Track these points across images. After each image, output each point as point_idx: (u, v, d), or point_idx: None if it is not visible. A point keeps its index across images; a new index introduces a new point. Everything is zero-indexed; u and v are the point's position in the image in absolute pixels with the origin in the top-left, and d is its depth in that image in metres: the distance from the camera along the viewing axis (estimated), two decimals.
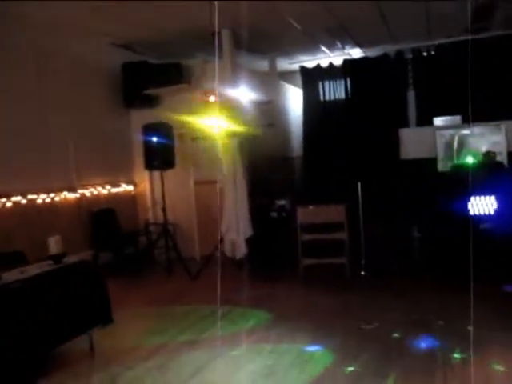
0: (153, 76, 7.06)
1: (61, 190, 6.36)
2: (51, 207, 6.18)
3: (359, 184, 6.05)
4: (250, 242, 6.33)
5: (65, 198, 6.44)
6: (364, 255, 6.14)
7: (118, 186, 7.43)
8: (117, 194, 7.35)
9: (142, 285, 6.29)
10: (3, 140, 5.60)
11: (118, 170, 7.48)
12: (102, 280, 4.22)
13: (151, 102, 7.38)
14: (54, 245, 4.09)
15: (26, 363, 3.52)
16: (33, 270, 3.93)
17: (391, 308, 4.80)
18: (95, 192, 6.97)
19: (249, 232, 6.25)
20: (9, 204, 5.60)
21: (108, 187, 7.19)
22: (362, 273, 6.05)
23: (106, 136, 7.08)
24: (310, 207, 6.10)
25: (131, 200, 7.70)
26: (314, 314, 4.78)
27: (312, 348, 3.93)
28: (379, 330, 4.25)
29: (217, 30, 4.36)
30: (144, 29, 6.51)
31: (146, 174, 7.58)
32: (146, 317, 5.03)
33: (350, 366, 3.53)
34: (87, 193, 6.82)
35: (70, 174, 6.53)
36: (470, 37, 7.15)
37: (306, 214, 6.07)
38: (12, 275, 3.73)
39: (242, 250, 6.24)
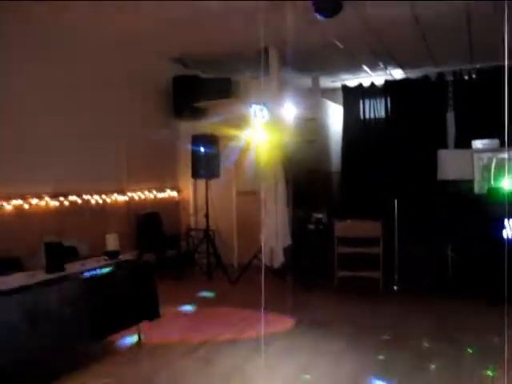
0: (202, 89, 7.45)
1: (112, 192, 6.79)
2: (103, 208, 6.61)
3: (396, 201, 6.26)
4: (287, 252, 6.60)
5: (115, 200, 6.86)
6: (397, 271, 6.31)
7: (164, 191, 7.83)
8: (162, 199, 7.75)
9: (183, 286, 6.64)
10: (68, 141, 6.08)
11: (164, 177, 7.87)
12: (151, 277, 4.57)
13: (199, 114, 7.76)
14: (111, 241, 4.45)
15: (83, 348, 3.89)
16: (91, 263, 4.32)
17: (417, 322, 5.00)
18: (142, 196, 7.38)
19: (287, 241, 6.53)
20: (66, 203, 6.05)
21: (154, 192, 7.60)
22: (395, 287, 6.23)
23: (155, 144, 7.47)
24: (348, 221, 6.34)
25: (175, 206, 8.08)
26: (345, 324, 5.01)
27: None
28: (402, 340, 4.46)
29: (263, 47, 4.70)
30: (197, 45, 6.95)
31: (190, 181, 7.94)
32: (188, 315, 5.36)
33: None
34: (135, 196, 7.24)
35: (121, 177, 6.96)
36: (506, 62, 7.28)
37: (343, 228, 6.30)
38: (74, 267, 4.13)
39: (279, 259, 6.52)
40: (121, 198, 6.96)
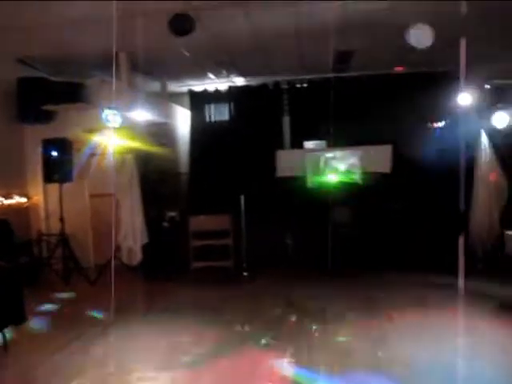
0: (50, 93, 7.34)
1: None
2: None
3: (242, 197, 7.02)
4: (145, 250, 6.94)
5: None
6: (246, 259, 7.09)
7: (11, 198, 7.54)
8: (10, 205, 7.46)
9: (39, 291, 6.56)
10: None
11: (10, 183, 7.57)
12: (15, 282, 4.59)
13: (46, 117, 7.61)
14: None
15: None
16: None
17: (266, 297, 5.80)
18: None
19: (144, 239, 6.86)
20: None
21: (1, 199, 7.30)
22: (245, 274, 6.99)
23: None
24: (200, 217, 6.93)
25: (24, 212, 7.83)
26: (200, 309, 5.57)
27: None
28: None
29: (114, 52, 4.97)
30: (44, 47, 6.85)
31: (41, 186, 7.77)
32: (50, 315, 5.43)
33: None
34: None
35: None
36: (332, 75, 8.55)
37: (196, 223, 6.87)
38: None
39: (137, 257, 6.82)
40: None
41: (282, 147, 8.86)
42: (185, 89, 9.76)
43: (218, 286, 6.61)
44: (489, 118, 6.56)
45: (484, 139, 6.66)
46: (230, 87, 9.55)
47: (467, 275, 5.54)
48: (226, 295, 6.08)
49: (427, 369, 3.77)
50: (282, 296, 5.90)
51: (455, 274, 5.49)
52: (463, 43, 5.44)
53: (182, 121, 9.69)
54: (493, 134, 6.77)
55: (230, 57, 7.75)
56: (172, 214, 7.70)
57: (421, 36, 5.06)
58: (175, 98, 9.76)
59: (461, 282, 5.36)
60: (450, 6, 5.24)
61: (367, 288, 6.16)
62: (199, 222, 6.90)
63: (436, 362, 3.89)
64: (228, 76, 9.03)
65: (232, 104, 9.58)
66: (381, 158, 7.37)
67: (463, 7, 5.06)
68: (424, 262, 6.84)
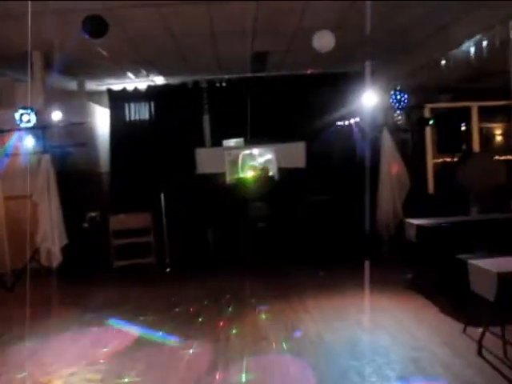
0: None
1: None
2: None
3: (163, 195, 7.15)
4: (65, 251, 6.86)
5: None
6: (168, 255, 7.23)
7: None
8: None
9: None
10: None
11: None
12: None
13: None
14: None
15: None
16: None
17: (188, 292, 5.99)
18: None
19: (64, 241, 6.79)
20: None
21: None
22: (168, 270, 7.13)
23: None
24: (121, 215, 6.97)
25: None
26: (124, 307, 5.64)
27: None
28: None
29: (29, 50, 4.93)
30: None
31: None
32: None
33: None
34: None
35: None
36: (250, 74, 8.87)
37: (116, 222, 6.91)
38: None
39: (57, 259, 6.73)
40: None
41: (202, 145, 9.04)
42: (104, 88, 9.67)
43: (140, 283, 6.69)
44: (391, 116, 7.14)
45: (386, 135, 7.22)
46: (150, 86, 9.58)
47: (374, 259, 6.05)
48: (148, 292, 6.20)
49: (335, 343, 4.18)
50: (202, 289, 6.12)
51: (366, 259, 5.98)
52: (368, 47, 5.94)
53: (102, 120, 9.60)
54: (394, 130, 7.39)
55: (148, 56, 7.81)
56: (93, 214, 7.66)
57: (323, 40, 5.45)
58: (94, 96, 9.65)
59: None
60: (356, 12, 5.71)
61: (282, 278, 6.54)
62: (120, 221, 6.95)
63: (341, 336, 4.34)
64: (147, 75, 9.07)
65: (152, 103, 9.62)
66: (296, 154, 7.79)
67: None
68: (337, 249, 7.33)
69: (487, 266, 3.51)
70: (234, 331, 4.65)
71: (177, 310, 5.39)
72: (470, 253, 4.09)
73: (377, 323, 4.66)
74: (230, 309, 5.33)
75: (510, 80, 6.06)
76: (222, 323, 4.86)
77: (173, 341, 4.47)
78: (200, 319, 5.02)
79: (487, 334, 3.85)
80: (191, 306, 5.47)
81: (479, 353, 3.79)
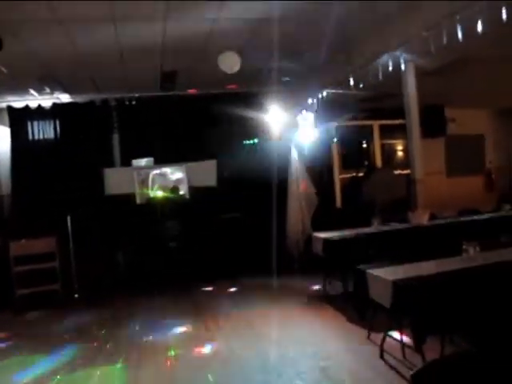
0: None
1: None
2: None
3: (69, 217, 6.85)
4: None
5: None
6: (77, 280, 6.92)
7: None
8: None
9: None
10: None
11: None
12: None
13: None
14: None
15: None
16: None
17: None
18: None
19: None
20: None
21: None
22: (76, 295, 6.82)
23: None
24: (22, 240, 6.58)
25: None
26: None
27: None
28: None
29: None
30: None
31: None
32: None
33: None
34: None
35: None
36: (160, 93, 8.82)
37: (18, 247, 6.51)
38: None
39: None
40: None
41: (111, 165, 8.77)
42: (3, 105, 9.14)
43: (45, 311, 6.34)
44: (297, 135, 7.43)
45: (294, 153, 7.50)
46: (55, 104, 9.20)
47: (285, 274, 6.21)
48: (51, 320, 5.90)
49: (246, 358, 4.24)
50: (112, 313, 5.93)
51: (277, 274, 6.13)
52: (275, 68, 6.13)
53: (1, 139, 9.04)
54: (300, 149, 7.68)
55: (52, 73, 7.51)
56: None
57: (228, 62, 5.58)
58: None
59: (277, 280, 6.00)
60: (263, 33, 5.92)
61: (194, 296, 6.52)
62: (21, 247, 6.54)
63: (253, 350, 4.41)
64: (51, 92, 8.70)
65: (57, 121, 9.22)
66: (207, 172, 7.83)
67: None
68: (249, 266, 7.43)
69: (383, 274, 3.74)
70: (144, 353, 4.56)
71: (85, 338, 5.17)
72: (370, 263, 4.32)
73: (287, 335, 4.78)
74: (139, 333, 5.20)
75: (404, 101, 6.57)
76: (133, 349, 4.73)
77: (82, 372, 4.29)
78: (110, 347, 4.85)
79: (388, 339, 4.09)
80: (100, 333, 5.27)
81: (381, 356, 4.02)
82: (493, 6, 4.29)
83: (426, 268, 3.86)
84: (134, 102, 9.36)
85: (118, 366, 4.31)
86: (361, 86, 6.81)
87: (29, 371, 4.30)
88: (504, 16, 4.23)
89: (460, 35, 4.74)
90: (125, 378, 4.08)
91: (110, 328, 5.40)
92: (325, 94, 7.53)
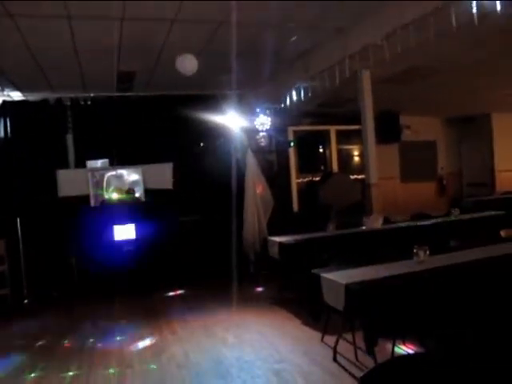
0: None
1: None
2: None
3: (19, 220, 6.62)
4: None
5: None
6: (26, 285, 6.69)
7: None
8: None
9: None
10: None
11: None
12: None
13: None
14: None
15: None
16: None
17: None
18: None
19: None
20: None
21: None
22: (25, 301, 6.59)
23: None
24: None
25: None
26: None
27: None
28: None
29: None
30: None
31: None
32: None
33: None
34: None
35: None
36: (116, 93, 8.66)
37: None
38: None
39: None
40: None
41: (65, 166, 8.52)
42: None
43: None
44: (255, 138, 7.46)
45: (250, 156, 7.52)
46: (5, 102, 8.86)
47: (241, 277, 6.21)
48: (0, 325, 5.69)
49: (201, 363, 4.22)
50: (63, 319, 5.77)
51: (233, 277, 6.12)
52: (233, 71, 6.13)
53: None
54: (258, 151, 7.72)
55: (2, 69, 7.24)
56: None
57: (185, 64, 5.54)
58: None
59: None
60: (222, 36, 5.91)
61: (150, 301, 6.43)
62: None
63: (208, 354, 4.40)
64: (2, 89, 8.39)
65: (8, 119, 8.88)
66: (162, 175, 7.74)
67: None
68: (205, 269, 7.38)
69: (336, 278, 3.80)
70: (96, 360, 4.44)
71: (33, 343, 5.00)
72: (325, 267, 4.38)
73: (242, 339, 4.78)
74: (91, 340, 5.07)
75: (359, 107, 6.71)
76: (85, 356, 4.61)
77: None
78: (60, 353, 4.71)
79: (341, 341, 4.15)
80: (50, 338, 5.11)
81: (334, 359, 4.08)
82: (445, 19, 4.45)
83: (378, 271, 3.95)
84: (89, 102, 9.13)
85: (69, 373, 4.19)
86: (314, 91, 6.91)
87: None
88: (454, 25, 4.37)
89: (414, 44, 4.88)
90: None
91: (60, 335, 5.23)
92: (282, 98, 7.60)
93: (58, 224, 7.21)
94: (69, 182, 7.52)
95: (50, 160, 8.35)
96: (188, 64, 5.48)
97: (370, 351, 3.54)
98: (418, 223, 6.69)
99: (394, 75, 7.38)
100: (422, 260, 4.09)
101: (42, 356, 4.64)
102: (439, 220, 6.92)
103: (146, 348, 4.73)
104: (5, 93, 8.62)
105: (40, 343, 5.03)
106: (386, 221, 6.65)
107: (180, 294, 6.67)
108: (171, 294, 6.81)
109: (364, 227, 6.29)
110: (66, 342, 5.02)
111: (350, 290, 3.52)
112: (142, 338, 5.01)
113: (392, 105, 9.79)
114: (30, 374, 4.22)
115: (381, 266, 4.16)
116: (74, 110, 9.03)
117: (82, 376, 4.13)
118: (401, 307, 3.52)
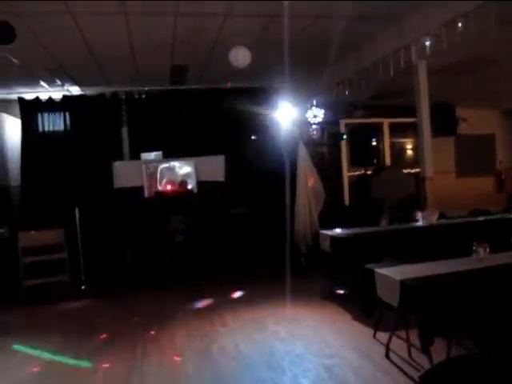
0: None
1: None
2: None
3: (77, 210, 6.88)
4: None
5: None
6: (84, 272, 6.95)
7: None
8: None
9: None
10: None
11: None
12: None
13: None
14: None
15: None
16: None
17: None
18: None
19: None
20: None
21: None
22: (83, 287, 6.86)
23: None
24: (32, 232, 6.61)
25: None
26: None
27: None
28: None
29: None
30: None
31: None
32: None
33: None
34: None
35: None
36: (170, 87, 8.82)
37: (27, 238, 6.55)
38: None
39: None
40: None
41: (120, 158, 8.78)
42: (14, 96, 9.17)
43: (54, 302, 6.38)
44: (307, 130, 7.40)
45: (302, 148, 7.47)
46: (65, 96, 9.22)
47: (293, 270, 6.19)
48: (61, 311, 5.93)
49: (252, 355, 4.24)
50: (118, 307, 5.95)
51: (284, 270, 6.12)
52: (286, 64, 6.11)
53: (12, 130, 9.09)
54: (310, 144, 7.66)
55: (62, 65, 7.52)
56: (0, 230, 7.22)
57: (239, 56, 5.55)
58: (3, 105, 9.11)
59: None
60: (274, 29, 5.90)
61: (201, 293, 6.52)
62: (30, 238, 6.58)
63: (259, 348, 4.41)
64: (62, 85, 8.72)
65: (67, 114, 9.23)
66: (215, 167, 7.83)
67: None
68: (256, 261, 7.42)
69: (391, 274, 3.72)
70: (151, 350, 4.56)
71: (91, 330, 5.19)
72: (379, 262, 4.30)
73: (293, 333, 4.77)
74: (147, 328, 5.20)
75: (415, 99, 6.52)
76: (138, 343, 4.74)
77: (86, 364, 4.30)
78: (115, 340, 4.87)
79: (394, 338, 4.07)
80: (106, 326, 5.29)
81: (387, 355, 4.00)
82: (507, 4, 4.24)
83: (435, 268, 3.84)
84: (143, 96, 9.36)
85: (125, 357, 4.33)
86: (368, 83, 6.77)
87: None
88: None
89: (474, 33, 4.68)
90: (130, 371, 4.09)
91: (116, 321, 5.41)
92: (335, 90, 7.50)
93: (113, 214, 7.46)
94: (124, 173, 7.74)
95: (106, 152, 8.64)
96: (241, 56, 5.49)
97: (426, 349, 3.45)
98: (477, 219, 6.44)
99: (451, 66, 7.12)
100: (482, 257, 3.94)
101: (95, 343, 4.81)
102: (498, 216, 6.64)
103: (196, 338, 4.80)
104: (65, 88, 8.96)
105: (93, 330, 5.21)
106: (442, 216, 6.45)
107: (231, 287, 6.72)
108: (221, 285, 6.87)
109: (418, 222, 6.12)
110: (117, 330, 5.17)
111: (406, 286, 3.44)
112: (192, 329, 5.10)
113: (448, 97, 9.45)
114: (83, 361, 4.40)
115: (437, 262, 4.04)
116: (129, 103, 9.28)
117: (135, 365, 4.24)
118: (459, 305, 3.40)
